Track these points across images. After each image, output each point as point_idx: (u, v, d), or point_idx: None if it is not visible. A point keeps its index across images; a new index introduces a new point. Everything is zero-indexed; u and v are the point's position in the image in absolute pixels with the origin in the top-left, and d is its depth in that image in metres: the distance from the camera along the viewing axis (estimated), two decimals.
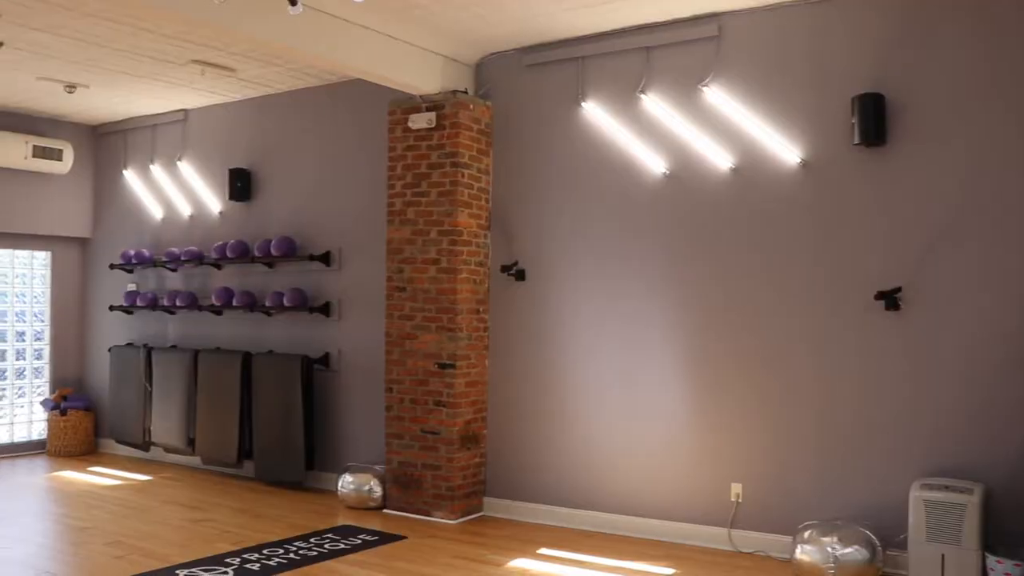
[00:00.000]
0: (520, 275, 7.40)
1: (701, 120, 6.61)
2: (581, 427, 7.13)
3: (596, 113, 7.07)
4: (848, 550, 5.53)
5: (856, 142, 5.93)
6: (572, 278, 7.20)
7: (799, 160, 6.22)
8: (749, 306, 6.42)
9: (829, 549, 5.55)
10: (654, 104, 6.80)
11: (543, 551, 6.44)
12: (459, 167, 7.26)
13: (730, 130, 6.50)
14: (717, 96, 6.52)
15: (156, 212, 10.17)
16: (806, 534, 5.73)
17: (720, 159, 6.53)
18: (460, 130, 7.28)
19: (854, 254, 6.04)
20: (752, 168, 6.42)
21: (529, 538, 6.80)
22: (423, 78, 7.26)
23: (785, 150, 6.27)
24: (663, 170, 6.77)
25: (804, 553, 5.66)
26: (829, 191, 6.14)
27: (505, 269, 7.43)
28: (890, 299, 5.83)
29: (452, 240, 7.27)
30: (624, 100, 6.95)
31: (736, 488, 6.41)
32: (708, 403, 6.58)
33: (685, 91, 6.68)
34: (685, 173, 6.70)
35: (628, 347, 6.93)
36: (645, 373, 6.85)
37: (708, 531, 6.51)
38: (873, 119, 5.83)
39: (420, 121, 7.38)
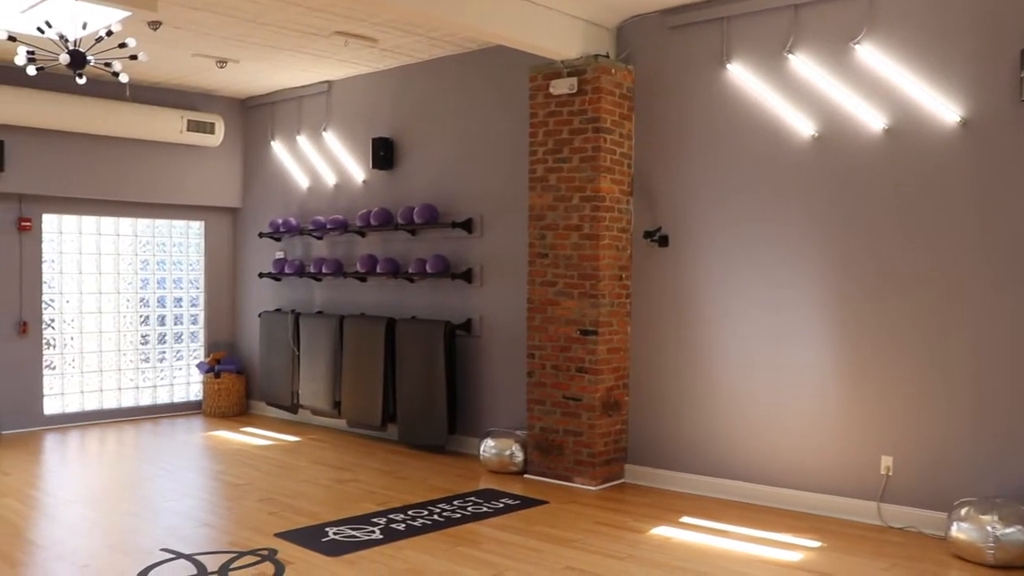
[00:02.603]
0: (663, 241, 7.31)
1: (852, 79, 6.36)
2: (725, 395, 7.01)
3: (741, 75, 6.89)
4: (1010, 530, 5.28)
5: None
6: (716, 244, 7.06)
7: (959, 119, 5.91)
8: (903, 272, 6.17)
9: (989, 528, 5.31)
10: (802, 64, 6.58)
11: (685, 519, 6.39)
12: (601, 132, 7.20)
13: (883, 89, 6.22)
14: (870, 54, 6.25)
15: (302, 182, 10.46)
16: (963, 511, 5.50)
17: (872, 120, 6.27)
18: (602, 95, 7.20)
19: (1018, 218, 5.72)
20: (907, 128, 6.14)
21: (671, 506, 6.76)
22: (564, 43, 7.21)
23: (943, 108, 5.97)
24: (811, 132, 6.55)
25: (960, 531, 5.44)
26: (991, 150, 5.82)
27: (648, 235, 7.35)
28: None
29: (594, 206, 7.23)
30: (771, 61, 6.75)
31: (886, 461, 6.20)
32: (858, 372, 6.37)
33: (835, 49, 6.42)
34: (835, 135, 6.47)
35: (774, 314, 6.76)
36: (791, 341, 6.67)
37: (856, 504, 6.33)
38: None
39: (562, 86, 7.34)
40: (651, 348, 7.44)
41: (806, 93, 6.59)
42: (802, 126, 6.60)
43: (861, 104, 6.31)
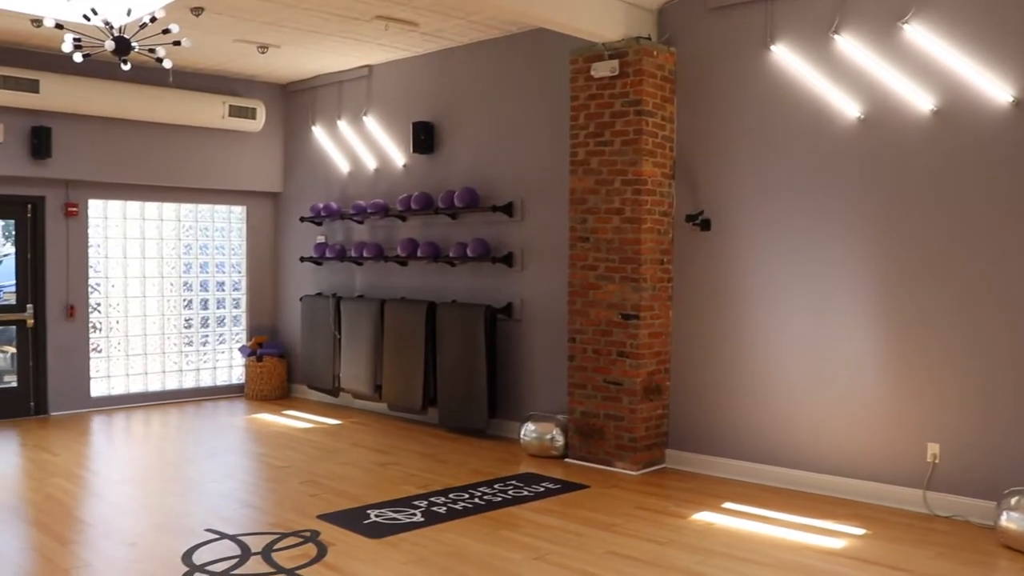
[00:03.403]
0: (705, 225, 7.24)
1: (899, 60, 6.24)
2: (767, 380, 6.95)
3: (785, 56, 6.79)
4: None
5: None
6: (759, 227, 6.99)
7: (1011, 99, 5.78)
8: (951, 256, 6.05)
9: None
10: (848, 45, 6.47)
11: (727, 505, 6.35)
12: (643, 115, 7.14)
13: (932, 69, 6.10)
14: (918, 33, 6.13)
15: (343, 166, 10.49)
16: (1013, 500, 5.41)
17: (920, 101, 6.15)
18: (644, 77, 7.14)
19: None
20: (956, 109, 6.02)
21: (712, 492, 6.72)
22: (605, 25, 7.16)
23: (995, 88, 5.84)
24: (857, 114, 6.45)
25: (1011, 521, 5.35)
26: None
27: (690, 219, 7.29)
28: None
29: (636, 189, 7.18)
30: (816, 42, 6.64)
31: (933, 448, 6.11)
32: (903, 358, 6.28)
33: (883, 29, 6.31)
34: (881, 117, 6.36)
35: (817, 298, 6.68)
36: (836, 326, 6.59)
37: (901, 492, 6.25)
38: None
39: (603, 69, 7.29)
40: (693, 332, 7.39)
41: (852, 74, 6.48)
42: (847, 108, 6.50)
43: (909, 85, 6.20)
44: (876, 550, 5.38)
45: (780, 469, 6.86)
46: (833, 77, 6.57)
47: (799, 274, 6.78)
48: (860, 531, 5.74)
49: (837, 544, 5.50)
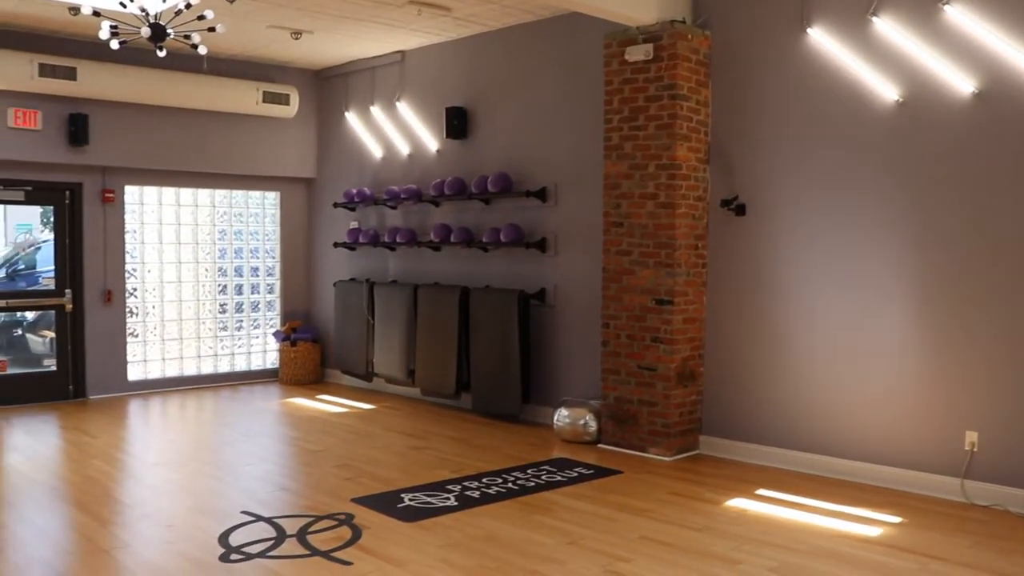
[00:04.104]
0: (740, 210, 7.19)
1: (940, 42, 6.14)
2: (802, 366, 6.90)
3: (822, 39, 6.71)
4: None
5: None
6: (795, 213, 6.92)
7: None
8: (991, 241, 5.96)
9: None
10: (887, 27, 6.38)
11: (761, 492, 6.31)
12: (677, 99, 7.09)
13: (973, 51, 6.00)
14: (959, 14, 6.03)
15: (376, 152, 10.51)
16: None
17: (961, 84, 6.06)
18: (678, 61, 7.09)
19: None
20: (999, 92, 5.91)
21: (746, 478, 6.69)
22: (639, 9, 7.10)
23: None
24: (895, 98, 6.36)
25: None
26: None
27: (725, 204, 7.24)
28: None
29: (670, 174, 7.14)
30: (853, 24, 6.55)
31: (971, 436, 6.04)
32: (942, 344, 6.20)
33: (922, 11, 6.21)
34: (920, 100, 6.26)
35: (854, 284, 6.61)
36: (873, 312, 6.52)
37: (938, 480, 6.18)
38: None
39: (637, 53, 7.24)
40: (727, 318, 7.35)
41: (890, 57, 6.39)
42: (886, 91, 6.41)
43: (949, 68, 6.10)
44: (912, 538, 5.33)
45: (815, 456, 6.81)
46: (871, 60, 6.48)
47: (835, 259, 6.71)
48: (896, 519, 5.68)
49: (873, 532, 5.45)
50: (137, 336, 10.45)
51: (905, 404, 6.36)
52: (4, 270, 9.80)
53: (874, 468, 6.49)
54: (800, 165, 6.88)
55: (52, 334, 9.94)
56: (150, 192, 10.47)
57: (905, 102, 6.33)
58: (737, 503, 6.07)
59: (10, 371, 9.66)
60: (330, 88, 11.17)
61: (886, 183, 6.43)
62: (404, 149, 10.14)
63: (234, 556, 4.99)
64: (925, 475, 6.24)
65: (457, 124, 9.31)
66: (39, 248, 10.20)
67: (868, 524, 5.59)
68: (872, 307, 6.52)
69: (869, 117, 6.51)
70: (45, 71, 8.89)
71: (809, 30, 6.76)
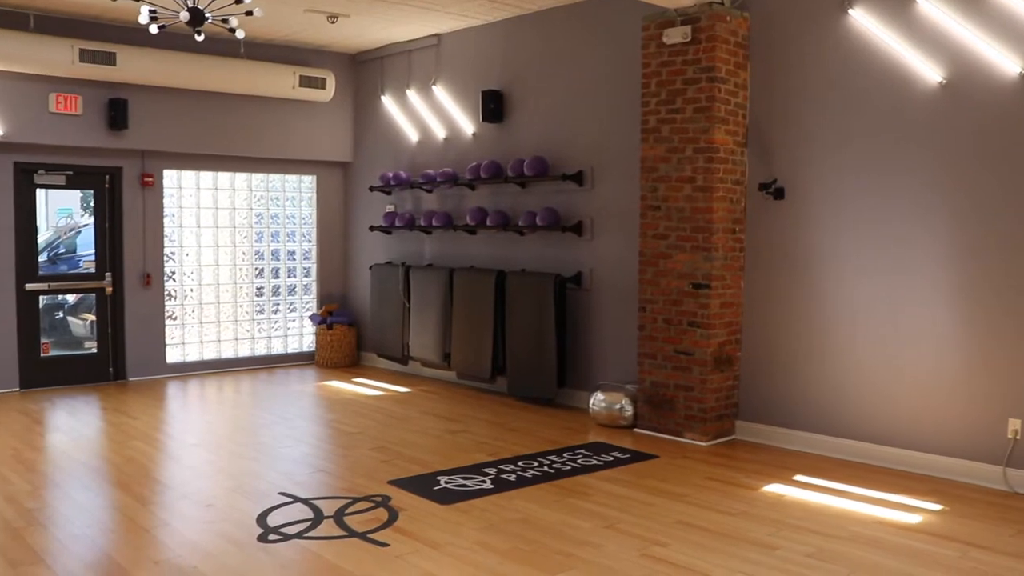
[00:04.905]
0: (778, 193, 7.12)
1: (986, 21, 6.01)
2: (841, 352, 6.83)
3: (864, 20, 6.60)
4: None
5: None
6: (834, 197, 6.84)
7: None
8: None
9: None
10: (931, 6, 6.27)
11: (799, 477, 6.27)
12: (715, 82, 7.02)
13: (1021, 30, 5.87)
14: None
15: (412, 135, 10.52)
16: None
17: (1007, 64, 5.94)
18: (716, 43, 7.01)
19: None
20: None
21: (784, 464, 6.64)
22: None
23: None
24: (939, 79, 6.25)
25: None
26: None
27: (763, 187, 7.17)
28: None
29: (708, 157, 7.08)
30: (896, 4, 6.43)
31: (1014, 424, 5.94)
32: (985, 331, 6.10)
33: None
34: (965, 81, 6.15)
35: (895, 269, 6.52)
36: (913, 297, 6.43)
37: (979, 468, 6.09)
38: None
39: (675, 36, 7.18)
40: (765, 303, 7.29)
41: (934, 37, 6.27)
42: (929, 73, 6.30)
43: (995, 48, 5.98)
44: (953, 526, 5.27)
45: (853, 442, 6.74)
46: (913, 41, 6.36)
47: (876, 243, 6.62)
48: (936, 507, 5.62)
49: (913, 519, 5.40)
50: (175, 319, 10.56)
51: (946, 390, 6.27)
52: (46, 254, 9.93)
53: (914, 455, 6.42)
54: (840, 148, 6.79)
55: (92, 317, 10.06)
56: (188, 176, 10.55)
57: (949, 83, 6.22)
58: (774, 489, 6.03)
59: (52, 353, 9.79)
60: (366, 72, 11.18)
61: (929, 166, 6.33)
62: (440, 133, 10.14)
63: (272, 536, 5.03)
64: (966, 463, 6.16)
65: (493, 107, 9.29)
66: (79, 232, 10.32)
67: (908, 511, 5.54)
68: (913, 292, 6.43)
69: (912, 99, 6.40)
70: (85, 56, 8.96)
71: (850, 11, 6.66)
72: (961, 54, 6.15)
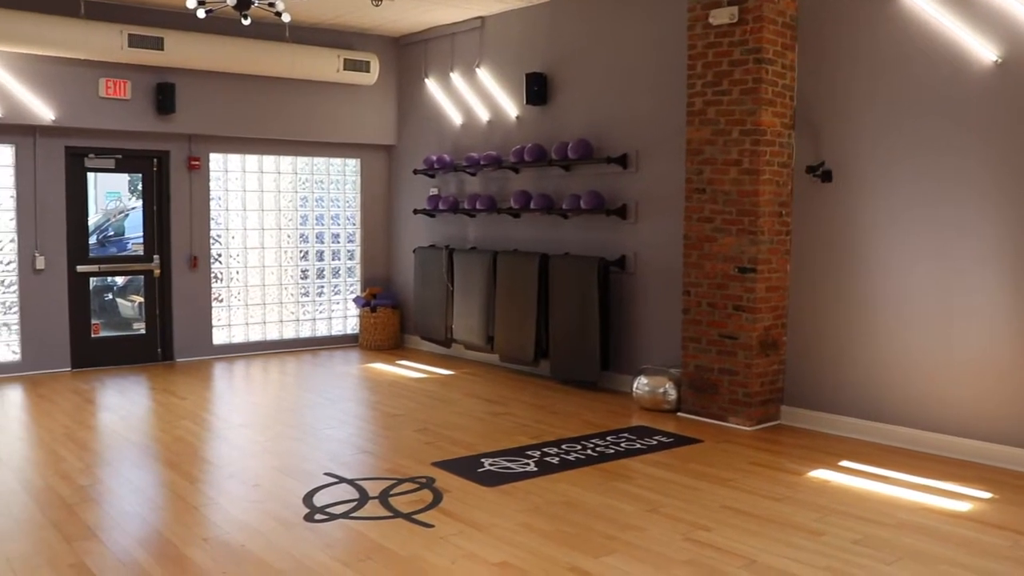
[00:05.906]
0: (826, 176, 7.02)
1: None
2: (890, 338, 6.74)
3: None
4: None
5: None
6: (883, 180, 6.73)
7: None
8: None
9: None
10: None
11: (844, 463, 6.21)
12: (762, 63, 6.94)
13: None
14: None
15: (456, 118, 10.52)
16: None
17: None
18: (764, 24, 6.92)
19: None
20: None
21: (829, 449, 6.58)
22: None
23: None
24: (994, 58, 6.12)
25: None
26: None
27: (810, 170, 7.08)
28: None
29: (755, 140, 7.00)
30: None
31: None
32: None
33: None
34: (1022, 61, 6.01)
35: (946, 255, 6.41)
36: (964, 282, 6.32)
37: None
38: None
39: (722, 16, 7.09)
40: (811, 287, 7.21)
41: (988, 15, 6.13)
42: (983, 52, 6.18)
43: None
44: (1004, 515, 5.19)
45: (900, 428, 6.66)
46: (967, 19, 6.23)
47: (926, 227, 6.51)
48: (986, 495, 5.53)
49: (962, 507, 5.32)
50: (222, 301, 10.68)
51: (996, 377, 6.17)
52: (95, 236, 10.08)
53: (963, 442, 6.32)
54: (890, 130, 6.68)
55: (141, 299, 10.21)
56: (234, 159, 10.64)
57: (1004, 63, 6.09)
58: (820, 474, 5.98)
59: (102, 334, 9.95)
60: (410, 55, 11.19)
61: (982, 148, 6.21)
62: (484, 116, 10.13)
63: (318, 516, 5.09)
64: (1018, 450, 6.05)
65: (537, 90, 9.26)
66: (127, 215, 10.46)
67: (957, 499, 5.46)
68: (964, 279, 6.32)
69: (965, 79, 6.28)
70: (134, 41, 9.05)
71: None
72: (1017, 32, 6.01)
